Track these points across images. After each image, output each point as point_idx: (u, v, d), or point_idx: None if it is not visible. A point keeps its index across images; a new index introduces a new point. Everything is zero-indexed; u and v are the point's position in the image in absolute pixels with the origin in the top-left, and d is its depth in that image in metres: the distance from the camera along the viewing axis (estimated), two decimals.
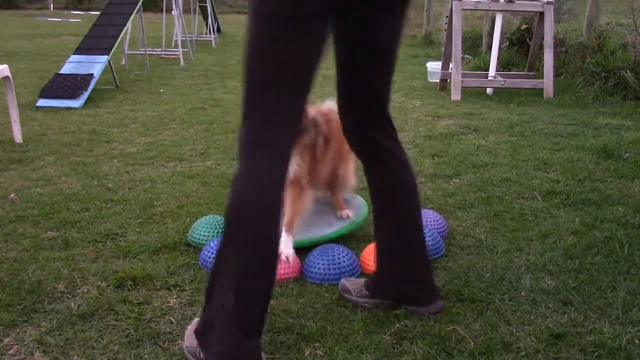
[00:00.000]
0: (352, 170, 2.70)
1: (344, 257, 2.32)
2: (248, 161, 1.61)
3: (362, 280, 2.17)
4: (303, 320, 1.98)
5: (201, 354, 1.70)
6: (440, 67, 6.81)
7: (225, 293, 1.58)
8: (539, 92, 6.20)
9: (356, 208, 2.74)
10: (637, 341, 1.86)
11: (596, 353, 1.81)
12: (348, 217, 2.64)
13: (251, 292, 1.58)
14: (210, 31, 12.70)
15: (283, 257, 2.30)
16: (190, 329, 1.81)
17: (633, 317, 1.99)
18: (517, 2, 6.14)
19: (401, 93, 6.58)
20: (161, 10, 10.77)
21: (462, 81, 6.12)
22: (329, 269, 2.26)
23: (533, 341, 1.87)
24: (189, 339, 1.78)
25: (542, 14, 6.17)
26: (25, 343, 1.86)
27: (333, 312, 2.05)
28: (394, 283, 2.03)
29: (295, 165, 2.30)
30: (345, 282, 2.16)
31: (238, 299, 1.56)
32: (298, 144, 2.25)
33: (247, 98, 1.64)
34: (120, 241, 2.63)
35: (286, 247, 2.35)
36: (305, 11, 1.55)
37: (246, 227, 1.58)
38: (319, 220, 2.61)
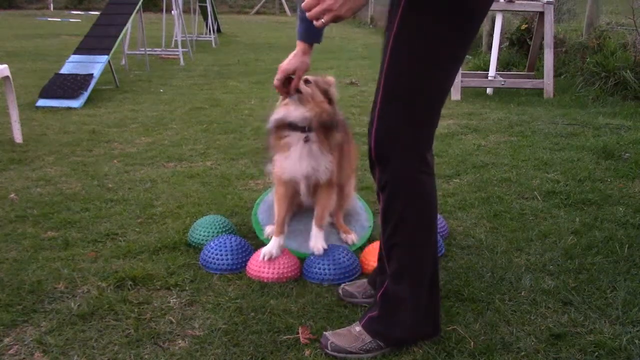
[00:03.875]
0: (353, 187, 2.67)
1: (344, 257, 2.32)
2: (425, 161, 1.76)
3: (363, 281, 2.16)
4: (303, 320, 1.99)
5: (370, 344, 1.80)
6: None
7: (427, 272, 1.81)
8: (539, 92, 6.20)
9: (360, 227, 2.65)
10: (637, 341, 1.86)
11: (596, 353, 1.81)
12: (353, 242, 2.53)
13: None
14: (210, 31, 12.69)
15: (320, 249, 2.34)
16: (352, 331, 1.84)
17: (633, 317, 1.99)
18: (517, 2, 6.14)
19: None
20: (161, 10, 10.76)
21: (462, 81, 6.12)
22: (329, 269, 2.26)
23: (533, 341, 1.87)
24: (347, 340, 1.81)
25: (542, 14, 6.17)
26: (25, 343, 1.86)
27: (333, 312, 2.05)
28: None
29: (330, 164, 2.26)
30: (346, 287, 2.15)
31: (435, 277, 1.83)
32: (331, 142, 2.24)
33: (433, 105, 1.71)
34: (120, 241, 2.63)
35: (322, 241, 2.36)
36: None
37: (434, 218, 1.84)
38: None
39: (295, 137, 2.20)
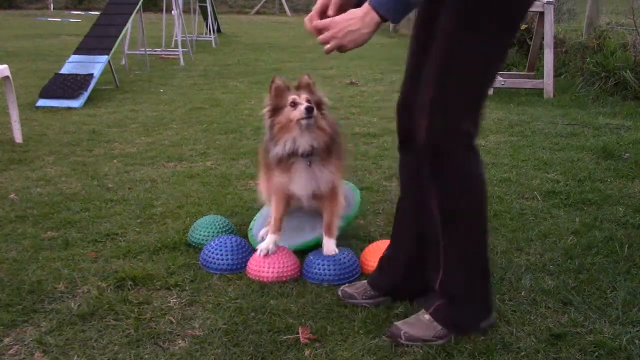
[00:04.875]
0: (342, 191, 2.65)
1: (344, 257, 2.32)
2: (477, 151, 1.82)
3: (362, 282, 2.16)
4: (303, 320, 1.99)
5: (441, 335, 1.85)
6: None
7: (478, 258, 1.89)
8: (539, 92, 6.20)
9: (347, 204, 2.63)
10: (637, 341, 1.86)
11: (596, 353, 1.81)
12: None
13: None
14: (210, 31, 12.68)
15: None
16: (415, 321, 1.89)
17: (633, 317, 1.99)
18: None
19: None
20: (161, 10, 10.75)
21: None
22: (329, 269, 2.26)
23: (533, 341, 1.87)
24: (421, 329, 1.86)
25: (542, 14, 6.17)
26: (25, 343, 1.86)
27: (333, 312, 2.05)
28: (402, 276, 2.08)
29: (330, 176, 2.29)
30: (346, 288, 2.15)
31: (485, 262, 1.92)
32: (332, 156, 2.28)
33: (479, 97, 1.78)
34: (120, 241, 2.63)
35: (333, 246, 2.37)
36: None
37: (485, 202, 1.88)
38: (305, 225, 2.57)
39: (299, 162, 2.23)
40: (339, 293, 2.14)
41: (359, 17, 1.59)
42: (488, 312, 1.94)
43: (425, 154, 1.79)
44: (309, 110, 2.13)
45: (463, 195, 1.82)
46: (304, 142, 2.19)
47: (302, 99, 2.16)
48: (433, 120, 1.74)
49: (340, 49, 1.64)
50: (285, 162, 2.23)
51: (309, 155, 2.22)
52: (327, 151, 2.25)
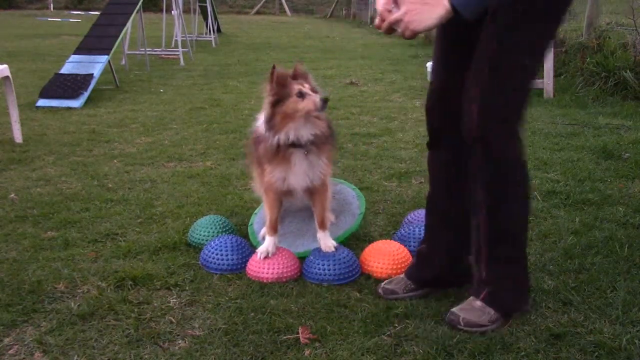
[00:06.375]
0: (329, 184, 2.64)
1: (344, 257, 2.32)
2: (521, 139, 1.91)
3: (401, 277, 2.18)
4: (303, 320, 1.99)
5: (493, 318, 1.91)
6: None
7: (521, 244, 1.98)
8: (539, 92, 6.19)
9: (350, 216, 2.65)
10: (637, 341, 1.85)
11: (596, 353, 1.81)
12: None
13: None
14: (210, 31, 12.69)
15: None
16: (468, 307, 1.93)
17: (633, 317, 1.99)
18: None
19: (401, 93, 6.58)
20: (161, 10, 10.77)
21: None
22: (329, 269, 2.26)
23: (533, 341, 1.87)
24: (473, 313, 1.91)
25: None
26: (25, 343, 1.86)
27: (333, 312, 2.05)
28: (442, 266, 2.11)
29: (324, 168, 2.29)
30: (385, 285, 2.17)
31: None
32: (326, 148, 2.28)
33: (526, 86, 1.89)
34: (120, 241, 2.63)
35: (330, 240, 2.38)
36: None
37: (529, 187, 2.00)
38: (306, 230, 2.57)
39: (297, 152, 2.22)
40: (380, 291, 2.16)
41: (431, 4, 1.59)
42: (527, 296, 2.01)
43: (475, 141, 1.82)
44: (325, 101, 2.12)
45: (510, 180, 1.87)
46: (306, 132, 2.18)
47: (308, 89, 2.14)
48: (483, 109, 1.78)
49: (404, 33, 1.64)
50: (283, 152, 2.20)
51: (308, 145, 2.21)
52: (323, 140, 2.24)
